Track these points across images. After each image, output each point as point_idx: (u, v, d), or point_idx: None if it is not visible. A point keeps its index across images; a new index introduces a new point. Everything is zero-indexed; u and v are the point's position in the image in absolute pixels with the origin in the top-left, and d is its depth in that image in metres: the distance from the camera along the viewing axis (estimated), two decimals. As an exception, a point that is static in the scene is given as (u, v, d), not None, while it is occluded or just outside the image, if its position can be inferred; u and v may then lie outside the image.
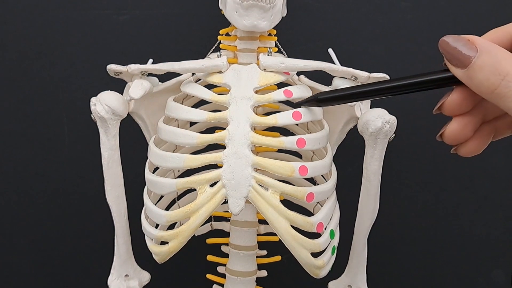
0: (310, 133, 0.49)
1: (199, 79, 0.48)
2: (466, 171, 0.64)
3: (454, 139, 0.35)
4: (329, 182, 0.46)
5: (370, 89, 0.37)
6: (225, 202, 0.43)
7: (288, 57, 0.48)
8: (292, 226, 0.44)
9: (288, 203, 0.45)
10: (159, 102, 0.50)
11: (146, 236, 0.48)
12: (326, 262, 0.45)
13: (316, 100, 0.42)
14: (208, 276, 0.54)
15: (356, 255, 0.50)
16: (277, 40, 0.50)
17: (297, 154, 0.53)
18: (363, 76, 0.46)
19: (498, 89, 0.30)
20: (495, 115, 0.35)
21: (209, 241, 0.54)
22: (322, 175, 0.49)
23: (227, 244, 0.53)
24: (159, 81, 0.50)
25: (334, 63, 0.48)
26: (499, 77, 0.30)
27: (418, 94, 0.63)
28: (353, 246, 0.50)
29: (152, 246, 0.47)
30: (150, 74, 0.49)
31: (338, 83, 0.48)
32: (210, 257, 0.53)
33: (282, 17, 0.48)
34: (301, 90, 0.47)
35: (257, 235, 0.52)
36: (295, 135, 0.45)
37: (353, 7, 0.61)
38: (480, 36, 0.32)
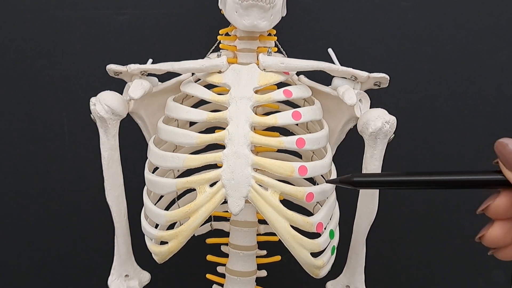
0: (309, 133, 0.49)
1: (199, 79, 0.48)
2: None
3: (494, 243, 0.34)
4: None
5: (413, 180, 0.35)
6: (225, 202, 0.43)
7: (287, 57, 0.48)
8: (292, 226, 0.44)
9: (287, 203, 0.45)
10: (158, 102, 0.50)
11: (146, 236, 0.48)
12: (325, 262, 0.45)
13: (351, 183, 0.38)
14: (208, 276, 0.54)
15: (354, 255, 0.50)
16: (276, 40, 0.50)
17: (297, 154, 0.53)
18: (363, 76, 0.46)
19: None
20: None
21: (209, 241, 0.54)
22: (322, 175, 0.49)
23: (227, 244, 0.53)
24: (159, 81, 0.50)
25: (334, 63, 0.48)
26: None
27: (417, 94, 0.63)
28: (351, 246, 0.50)
29: (152, 246, 0.47)
30: (149, 74, 0.49)
31: (338, 83, 0.48)
32: (210, 257, 0.53)
33: (282, 17, 0.49)
34: (301, 90, 0.47)
35: (257, 235, 0.52)
36: (294, 135, 0.45)
37: (353, 7, 0.61)
38: None
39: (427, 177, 0.34)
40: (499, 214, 0.33)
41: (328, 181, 0.43)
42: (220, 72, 0.47)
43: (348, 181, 0.38)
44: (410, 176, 0.35)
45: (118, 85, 0.50)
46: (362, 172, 0.47)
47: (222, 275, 0.53)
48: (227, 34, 0.50)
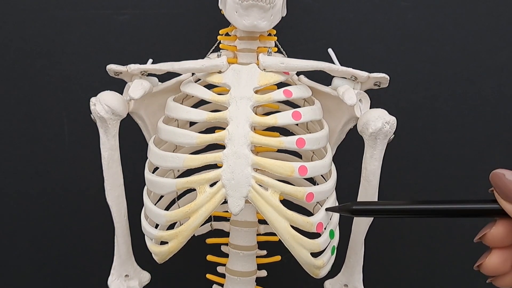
0: (310, 133, 0.49)
1: (199, 79, 0.48)
2: (466, 171, 0.64)
3: (492, 272, 0.34)
4: (329, 182, 0.46)
5: (411, 208, 0.35)
6: (225, 202, 0.43)
7: (287, 57, 0.48)
8: (292, 226, 0.44)
9: (288, 203, 0.45)
10: (159, 102, 0.50)
11: (146, 236, 0.48)
12: (325, 262, 0.45)
13: (350, 211, 0.39)
14: (208, 276, 0.54)
15: (353, 254, 0.50)
16: (276, 40, 0.50)
17: (297, 154, 0.53)
18: (363, 76, 0.46)
19: None
20: None
21: (209, 241, 0.54)
22: (321, 175, 0.49)
23: (227, 244, 0.53)
24: (159, 81, 0.50)
25: (334, 63, 0.48)
26: None
27: (417, 94, 0.63)
28: (350, 245, 0.50)
29: (152, 246, 0.47)
30: (150, 74, 0.49)
31: (338, 83, 0.48)
32: (210, 257, 0.53)
33: (282, 17, 0.49)
34: (301, 90, 0.47)
35: (257, 235, 0.52)
36: (294, 135, 0.45)
37: (353, 7, 0.61)
38: None
39: (425, 206, 0.35)
40: (496, 242, 0.33)
41: (327, 209, 0.44)
42: (220, 72, 0.47)
43: (347, 209, 0.39)
44: (408, 205, 0.36)
45: (118, 85, 0.50)
46: (362, 173, 0.47)
47: (222, 275, 0.53)
48: (227, 34, 0.50)
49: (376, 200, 0.48)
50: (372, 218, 0.48)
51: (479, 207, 0.33)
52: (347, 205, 0.39)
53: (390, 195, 0.63)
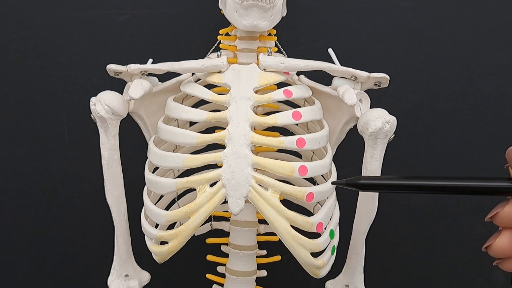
0: (310, 133, 0.49)
1: (199, 79, 0.48)
2: (466, 171, 0.64)
3: (501, 253, 0.33)
4: (329, 182, 0.46)
5: (421, 184, 0.33)
6: (225, 202, 0.43)
7: (288, 57, 0.48)
8: (292, 226, 0.44)
9: (288, 203, 0.45)
10: (159, 102, 0.50)
11: (146, 236, 0.48)
12: (326, 262, 0.45)
13: (357, 185, 0.37)
14: (208, 276, 0.54)
15: (354, 255, 0.50)
16: (277, 40, 0.50)
17: (297, 154, 0.53)
18: (363, 76, 0.46)
19: None
20: None
21: (209, 241, 0.54)
22: (322, 175, 0.49)
23: (227, 244, 0.53)
24: (159, 81, 0.50)
25: (334, 63, 0.48)
26: None
27: (417, 94, 0.63)
28: (351, 245, 0.50)
29: (152, 246, 0.47)
30: (150, 74, 0.49)
31: (338, 83, 0.48)
32: (210, 257, 0.53)
33: (282, 17, 0.49)
34: (301, 90, 0.47)
35: (257, 235, 0.52)
36: (295, 135, 0.45)
37: (353, 7, 0.61)
38: None
39: (435, 182, 0.33)
40: (508, 222, 0.32)
41: (333, 183, 0.42)
42: (220, 72, 0.47)
43: (354, 183, 0.37)
44: (417, 180, 0.34)
45: (118, 85, 0.50)
46: (363, 173, 0.47)
47: (222, 275, 0.53)
48: (227, 34, 0.50)
49: (376, 201, 0.48)
50: (373, 217, 0.48)
51: (492, 185, 0.32)
52: (354, 179, 0.37)
53: (390, 195, 0.63)
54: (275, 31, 0.50)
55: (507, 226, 0.32)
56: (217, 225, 0.57)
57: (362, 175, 0.47)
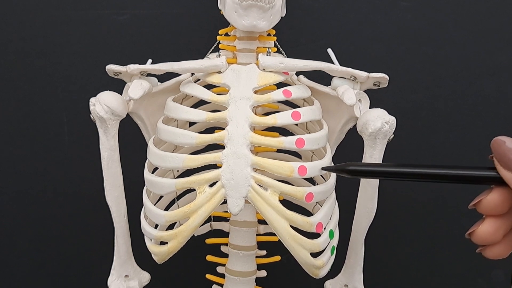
0: (309, 133, 0.48)
1: (198, 79, 0.48)
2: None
3: (484, 240, 0.34)
4: (328, 182, 0.46)
5: (408, 171, 0.34)
6: (225, 202, 0.43)
7: (287, 57, 0.48)
8: (292, 226, 0.44)
9: (287, 203, 0.45)
10: (158, 102, 0.50)
11: (145, 236, 0.48)
12: (325, 262, 0.45)
13: (346, 171, 0.38)
14: (208, 276, 0.54)
15: (353, 255, 0.50)
16: (276, 40, 0.50)
17: (296, 154, 0.53)
18: (362, 76, 0.46)
19: None
20: None
21: (209, 241, 0.54)
22: (321, 175, 0.49)
23: (226, 244, 0.53)
24: (159, 81, 0.50)
25: (333, 63, 0.48)
26: None
27: (417, 94, 0.63)
28: (350, 245, 0.50)
29: (152, 246, 0.47)
30: (149, 74, 0.49)
31: (338, 83, 0.48)
32: (209, 257, 0.53)
33: (281, 17, 0.49)
34: (300, 90, 0.47)
35: (257, 235, 0.52)
36: (294, 135, 0.45)
37: (353, 7, 0.61)
38: None
39: (422, 170, 0.34)
40: (490, 210, 0.33)
41: (323, 168, 0.43)
42: (219, 72, 0.47)
43: (343, 169, 0.38)
44: (405, 167, 0.35)
45: (118, 85, 0.50)
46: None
47: (222, 275, 0.53)
48: (226, 34, 0.50)
49: (375, 201, 0.48)
50: (372, 217, 0.48)
51: (477, 174, 0.33)
52: (343, 165, 0.38)
53: (389, 195, 0.63)
54: (274, 31, 0.50)
55: (490, 214, 0.33)
56: (217, 225, 0.57)
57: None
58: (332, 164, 0.48)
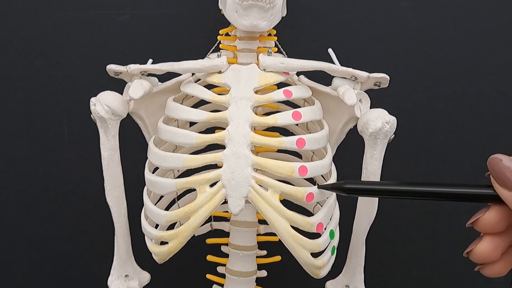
0: (310, 133, 0.48)
1: (199, 79, 0.48)
2: (466, 171, 0.64)
3: (482, 259, 0.33)
4: (329, 182, 0.46)
5: (405, 190, 0.34)
6: (225, 202, 0.43)
7: (287, 57, 0.48)
8: (292, 226, 0.43)
9: (288, 203, 0.45)
10: (158, 102, 0.50)
11: (146, 236, 0.48)
12: (326, 262, 0.45)
13: (343, 190, 0.38)
14: (208, 276, 0.54)
15: (354, 255, 0.50)
16: (276, 40, 0.50)
17: (297, 154, 0.53)
18: (363, 76, 0.46)
19: None
20: None
21: (209, 241, 0.54)
22: (322, 175, 0.49)
23: (227, 244, 0.53)
24: (159, 81, 0.50)
25: (334, 63, 0.48)
26: None
27: (417, 94, 0.63)
28: (351, 246, 0.50)
29: (152, 246, 0.47)
30: (149, 74, 0.49)
31: (338, 83, 0.48)
32: (210, 257, 0.53)
33: (282, 17, 0.48)
34: (301, 90, 0.47)
35: (257, 235, 0.52)
36: (295, 135, 0.45)
37: (353, 7, 0.61)
38: None
39: (419, 188, 0.34)
40: (488, 228, 0.33)
41: (319, 186, 0.43)
42: (220, 72, 0.47)
43: (340, 187, 0.38)
44: (402, 186, 0.35)
45: (118, 85, 0.50)
46: (363, 173, 0.47)
47: (222, 275, 0.53)
48: (227, 34, 0.50)
49: (376, 201, 0.48)
50: (373, 217, 0.48)
51: (473, 192, 0.33)
52: (341, 183, 0.38)
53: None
54: (275, 31, 0.50)
55: (488, 232, 0.33)
56: (217, 225, 0.57)
57: (362, 176, 0.47)
58: (333, 164, 0.48)
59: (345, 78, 0.48)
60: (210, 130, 0.49)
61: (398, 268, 0.68)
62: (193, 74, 0.49)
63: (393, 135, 0.46)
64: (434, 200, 0.35)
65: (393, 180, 0.37)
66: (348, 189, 0.37)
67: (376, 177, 0.47)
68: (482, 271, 0.34)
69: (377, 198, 0.48)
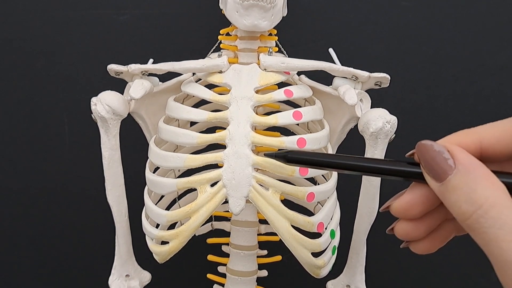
0: (310, 133, 0.49)
1: (200, 79, 0.48)
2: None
3: (403, 237, 0.32)
4: (330, 182, 0.46)
5: (339, 162, 0.33)
6: (226, 202, 0.43)
7: (288, 57, 0.48)
8: (293, 226, 0.44)
9: (288, 203, 0.45)
10: (159, 102, 0.50)
11: (146, 236, 0.48)
12: (326, 262, 0.45)
13: (285, 158, 0.36)
14: (209, 276, 0.54)
15: (355, 255, 0.50)
16: (277, 40, 0.50)
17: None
18: (364, 76, 0.46)
19: (469, 220, 0.26)
20: None
21: (210, 241, 0.54)
22: (322, 175, 0.49)
23: (227, 244, 0.53)
24: (160, 81, 0.50)
25: (334, 63, 0.48)
26: (471, 208, 0.26)
27: (418, 94, 0.63)
28: (352, 245, 0.50)
29: (153, 246, 0.47)
30: (150, 74, 0.49)
31: (339, 83, 0.48)
32: (210, 257, 0.53)
33: (283, 17, 0.49)
34: (302, 90, 0.47)
35: (258, 235, 0.52)
36: (295, 135, 0.45)
37: (353, 7, 0.61)
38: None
39: (354, 162, 0.33)
40: (403, 215, 0.31)
41: (265, 154, 0.39)
42: (220, 72, 0.47)
43: (282, 155, 0.36)
44: (337, 159, 0.34)
45: (119, 85, 0.50)
46: (363, 176, 0.47)
47: (223, 275, 0.53)
48: (227, 34, 0.50)
49: (377, 201, 0.48)
50: (374, 217, 0.48)
51: (406, 170, 0.31)
52: (283, 152, 0.36)
53: (390, 195, 0.63)
54: (275, 31, 0.50)
55: (404, 218, 0.31)
56: (218, 225, 0.57)
57: (363, 176, 0.47)
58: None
59: (346, 78, 0.48)
60: (211, 130, 0.49)
61: (399, 268, 0.68)
62: (193, 74, 0.49)
63: (394, 135, 0.46)
64: (369, 175, 0.33)
65: (335, 154, 0.37)
66: (289, 158, 0.35)
67: (377, 177, 0.47)
68: (410, 247, 0.33)
69: (378, 198, 0.48)
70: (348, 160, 0.33)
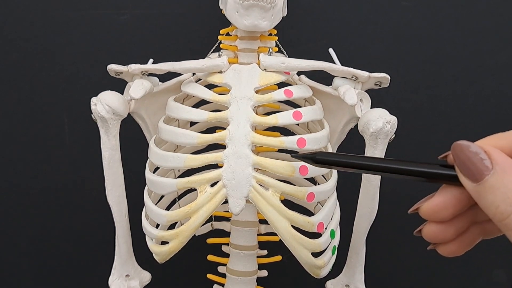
0: (310, 133, 0.49)
1: (200, 79, 0.48)
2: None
3: (431, 240, 0.32)
4: (330, 182, 0.46)
5: (368, 164, 0.33)
6: (226, 202, 0.43)
7: (288, 57, 0.48)
8: (293, 226, 0.44)
9: (288, 203, 0.45)
10: (159, 102, 0.50)
11: (146, 236, 0.48)
12: (326, 262, 0.45)
13: (314, 160, 0.37)
14: (209, 276, 0.54)
15: (354, 255, 0.50)
16: (277, 40, 0.50)
17: (297, 154, 0.53)
18: (364, 76, 0.46)
19: (507, 220, 0.26)
20: (487, 217, 0.29)
21: (210, 241, 0.54)
22: (322, 175, 0.49)
23: (227, 244, 0.53)
24: (160, 81, 0.50)
25: (334, 63, 0.48)
26: (509, 207, 0.26)
27: (418, 94, 0.63)
28: (351, 245, 0.50)
29: (153, 246, 0.47)
30: (150, 74, 0.49)
31: (339, 83, 0.48)
32: (210, 257, 0.53)
33: (283, 17, 0.49)
34: (302, 90, 0.47)
35: (258, 235, 0.52)
36: (295, 135, 0.45)
37: (354, 7, 0.61)
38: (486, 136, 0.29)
39: (387, 165, 0.33)
40: (433, 218, 0.31)
41: (292, 156, 0.40)
42: (221, 72, 0.47)
43: (310, 157, 0.37)
44: (366, 160, 0.34)
45: (119, 85, 0.50)
46: (363, 176, 0.47)
47: (223, 275, 0.53)
48: (227, 34, 0.50)
49: (377, 201, 0.48)
50: (374, 217, 0.48)
51: (439, 173, 0.31)
52: (311, 153, 0.37)
53: (390, 195, 0.63)
54: (275, 31, 0.50)
55: (434, 221, 0.31)
56: (218, 225, 0.57)
57: (363, 176, 0.47)
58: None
59: (346, 78, 0.48)
60: (211, 130, 0.49)
61: (398, 268, 0.68)
62: (193, 74, 0.49)
63: (394, 135, 0.46)
64: (397, 175, 0.33)
65: (362, 155, 0.37)
66: (317, 160, 0.36)
67: (377, 177, 0.47)
68: (437, 250, 0.33)
69: (378, 198, 0.48)
70: (377, 162, 0.33)
